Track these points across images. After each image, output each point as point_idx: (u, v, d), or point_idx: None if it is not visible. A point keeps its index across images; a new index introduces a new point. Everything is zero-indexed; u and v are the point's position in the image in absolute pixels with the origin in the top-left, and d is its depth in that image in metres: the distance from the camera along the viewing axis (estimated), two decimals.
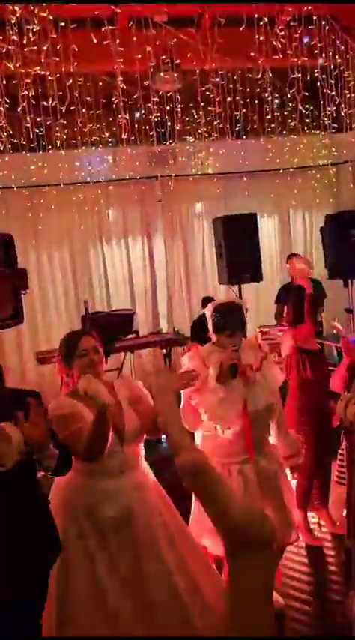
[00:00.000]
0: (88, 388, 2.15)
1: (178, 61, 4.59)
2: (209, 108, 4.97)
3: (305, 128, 5.83)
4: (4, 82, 3.94)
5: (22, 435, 1.78)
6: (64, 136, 4.82)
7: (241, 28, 3.80)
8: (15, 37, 3.41)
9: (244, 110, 5.47)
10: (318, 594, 3.12)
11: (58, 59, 3.60)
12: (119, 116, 4.01)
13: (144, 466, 2.46)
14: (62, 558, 2.16)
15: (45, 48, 3.30)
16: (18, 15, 3.30)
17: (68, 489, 2.32)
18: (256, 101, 5.54)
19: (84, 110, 4.99)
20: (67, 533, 2.23)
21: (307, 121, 5.82)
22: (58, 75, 4.21)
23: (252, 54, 4.08)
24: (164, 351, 6.32)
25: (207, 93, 4.67)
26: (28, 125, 4.16)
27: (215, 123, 5.17)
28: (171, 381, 2.37)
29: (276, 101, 5.04)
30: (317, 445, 3.53)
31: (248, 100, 5.47)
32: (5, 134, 4.42)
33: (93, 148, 5.99)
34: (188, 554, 2.37)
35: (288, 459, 2.90)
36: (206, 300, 6.42)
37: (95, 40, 3.40)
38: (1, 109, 3.97)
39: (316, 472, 3.65)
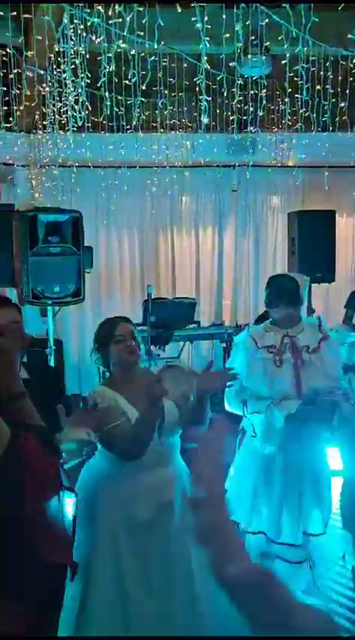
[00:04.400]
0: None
1: (268, 43, 4.36)
2: (296, 95, 4.70)
3: None
4: (88, 56, 3.89)
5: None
6: (144, 117, 4.75)
7: (339, 8, 3.52)
8: (100, 8, 3.35)
9: (334, 100, 5.15)
10: None
11: (142, 33, 3.50)
12: (201, 97, 3.85)
13: (179, 464, 2.35)
14: (88, 557, 2.08)
15: (128, 19, 3.20)
16: None
17: (102, 478, 2.24)
18: (347, 91, 5.21)
19: (166, 92, 4.89)
20: (97, 526, 2.15)
21: None
22: (142, 53, 4.12)
23: (350, 36, 3.78)
24: (224, 344, 6.17)
25: (296, 79, 4.40)
26: (108, 104, 4.10)
27: (301, 111, 4.89)
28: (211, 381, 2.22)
29: None
30: None
31: (339, 89, 5.14)
32: (86, 111, 4.39)
33: (172, 132, 5.88)
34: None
35: None
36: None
37: (179, 9, 3.25)
38: (83, 84, 3.93)
39: None
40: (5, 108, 4.31)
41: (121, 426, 2.11)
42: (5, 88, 4.33)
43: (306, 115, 4.89)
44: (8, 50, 3.98)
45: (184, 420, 2.25)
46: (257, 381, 2.54)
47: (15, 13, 3.66)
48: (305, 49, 4.19)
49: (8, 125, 4.61)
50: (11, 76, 4.30)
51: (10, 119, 4.74)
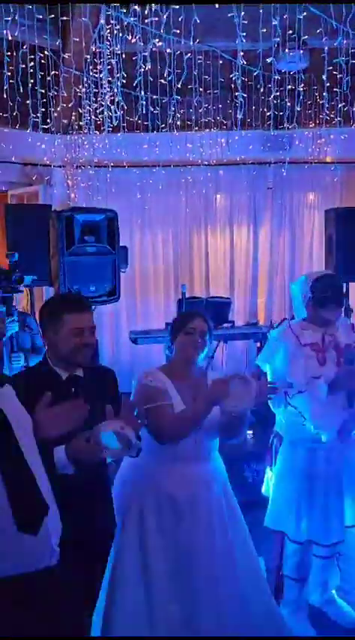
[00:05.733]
0: None
1: (306, 36, 4.27)
2: (335, 89, 4.59)
3: None
4: (123, 55, 3.90)
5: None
6: (179, 115, 4.73)
7: None
8: (137, 7, 3.35)
9: None
10: None
11: (177, 30, 3.48)
12: (236, 93, 3.81)
13: (217, 459, 2.39)
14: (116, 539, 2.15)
15: (165, 16, 3.19)
16: None
17: (140, 467, 2.28)
18: None
19: (201, 89, 4.85)
20: (129, 513, 2.22)
21: None
22: (178, 52, 4.10)
23: None
24: (258, 344, 6.10)
25: (335, 72, 4.30)
26: (143, 102, 4.10)
27: (339, 106, 4.78)
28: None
29: None
30: None
31: None
32: (121, 111, 4.41)
33: (207, 129, 5.84)
34: (241, 563, 2.27)
35: None
36: None
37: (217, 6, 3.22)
38: (118, 83, 3.95)
39: None
40: (43, 110, 4.37)
41: (162, 408, 2.18)
42: (43, 90, 4.39)
43: (345, 109, 4.77)
44: (46, 52, 4.03)
45: (221, 429, 2.27)
46: (299, 378, 2.50)
47: (53, 16, 3.70)
48: (345, 41, 4.08)
49: (45, 126, 4.67)
50: (49, 78, 4.35)
51: (48, 120, 4.81)
